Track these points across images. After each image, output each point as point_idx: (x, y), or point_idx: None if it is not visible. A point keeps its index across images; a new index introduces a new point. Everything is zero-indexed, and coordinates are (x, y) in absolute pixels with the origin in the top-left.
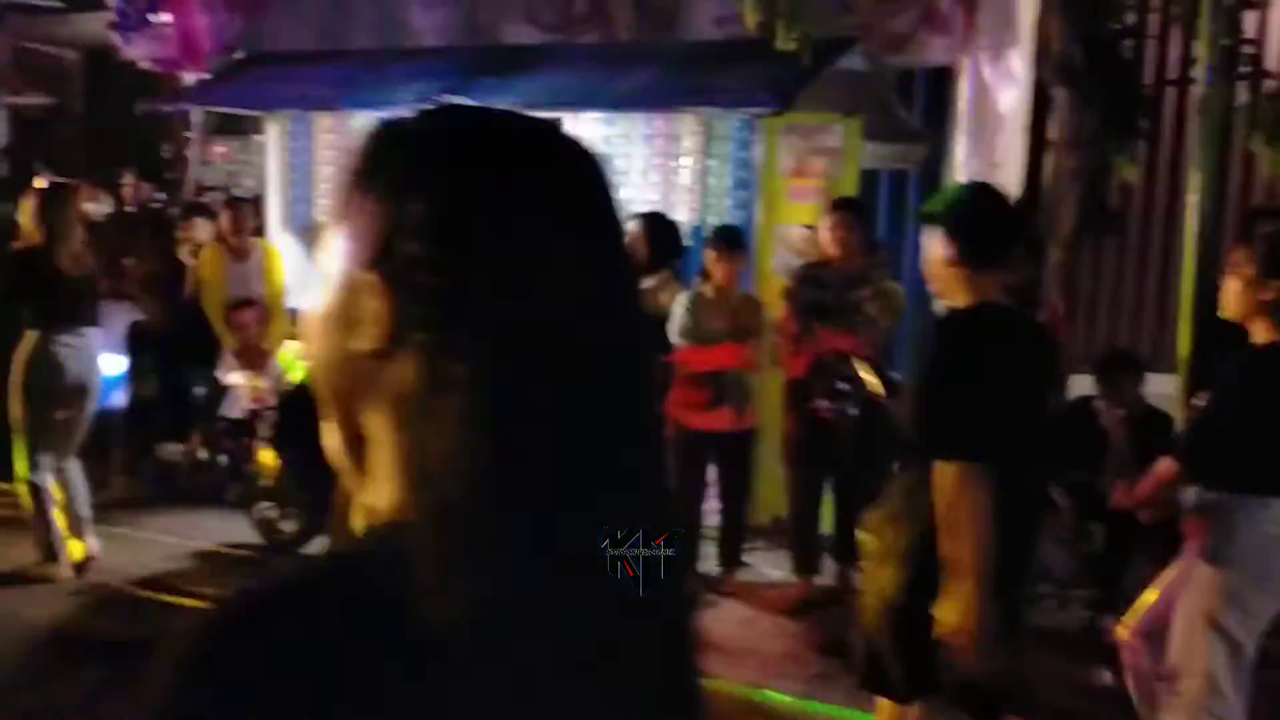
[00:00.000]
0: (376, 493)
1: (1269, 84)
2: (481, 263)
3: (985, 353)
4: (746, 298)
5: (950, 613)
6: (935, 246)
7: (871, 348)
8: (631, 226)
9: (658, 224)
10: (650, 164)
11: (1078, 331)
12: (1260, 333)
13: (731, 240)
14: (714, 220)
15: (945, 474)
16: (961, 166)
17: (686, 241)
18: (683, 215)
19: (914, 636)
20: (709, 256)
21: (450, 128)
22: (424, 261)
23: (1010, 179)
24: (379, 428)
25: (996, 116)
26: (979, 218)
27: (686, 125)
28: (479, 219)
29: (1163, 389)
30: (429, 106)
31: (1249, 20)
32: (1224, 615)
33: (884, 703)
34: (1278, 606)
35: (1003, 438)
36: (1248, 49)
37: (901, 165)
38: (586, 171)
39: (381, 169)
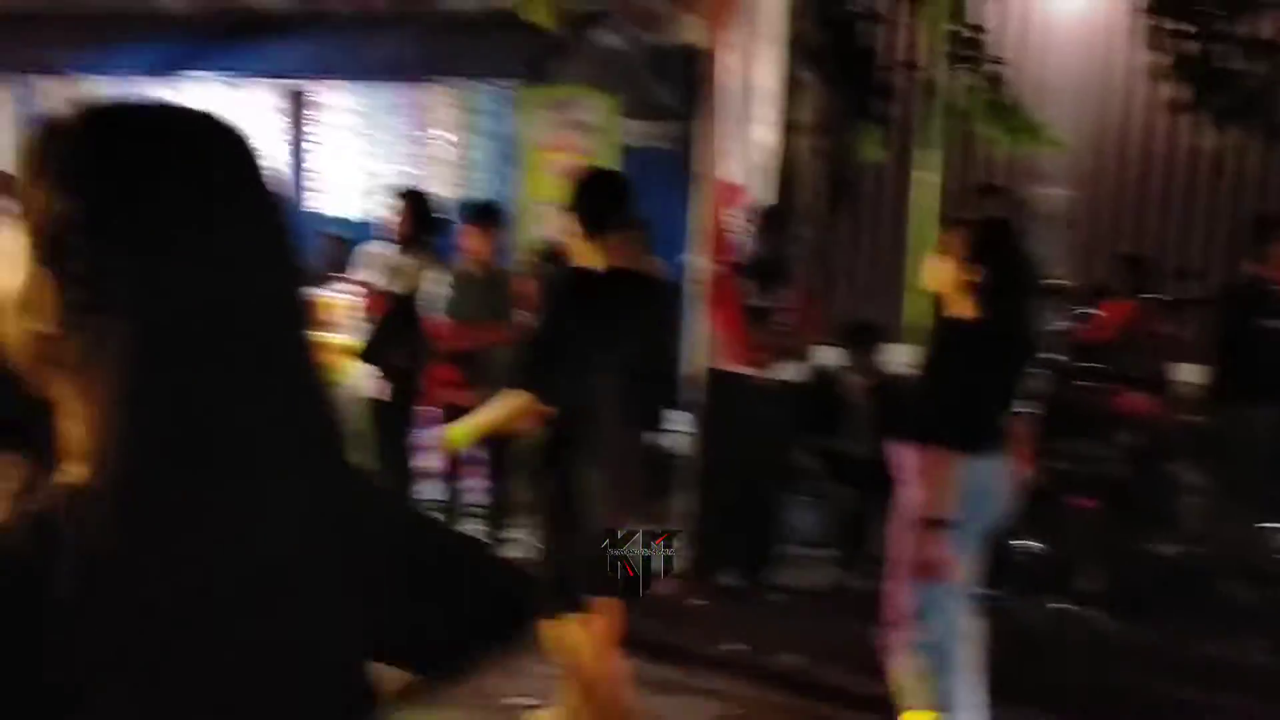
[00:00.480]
0: (69, 464)
1: (991, 69)
2: (128, 253)
3: (577, 305)
4: (505, 274)
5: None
6: (564, 223)
7: None
8: (391, 203)
9: (416, 200)
10: (405, 136)
11: (828, 305)
12: (962, 309)
13: (487, 215)
14: (473, 195)
15: (511, 397)
16: (717, 145)
17: (445, 217)
18: (441, 189)
19: (560, 551)
20: (465, 232)
21: (101, 125)
22: (78, 254)
23: (763, 159)
24: (69, 403)
25: (750, 96)
26: (589, 196)
27: (441, 97)
28: (124, 213)
29: (905, 358)
30: (88, 104)
31: (978, 8)
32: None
33: (563, 623)
34: (974, 544)
35: (584, 378)
36: (972, 35)
37: (659, 143)
38: (236, 159)
39: (44, 167)
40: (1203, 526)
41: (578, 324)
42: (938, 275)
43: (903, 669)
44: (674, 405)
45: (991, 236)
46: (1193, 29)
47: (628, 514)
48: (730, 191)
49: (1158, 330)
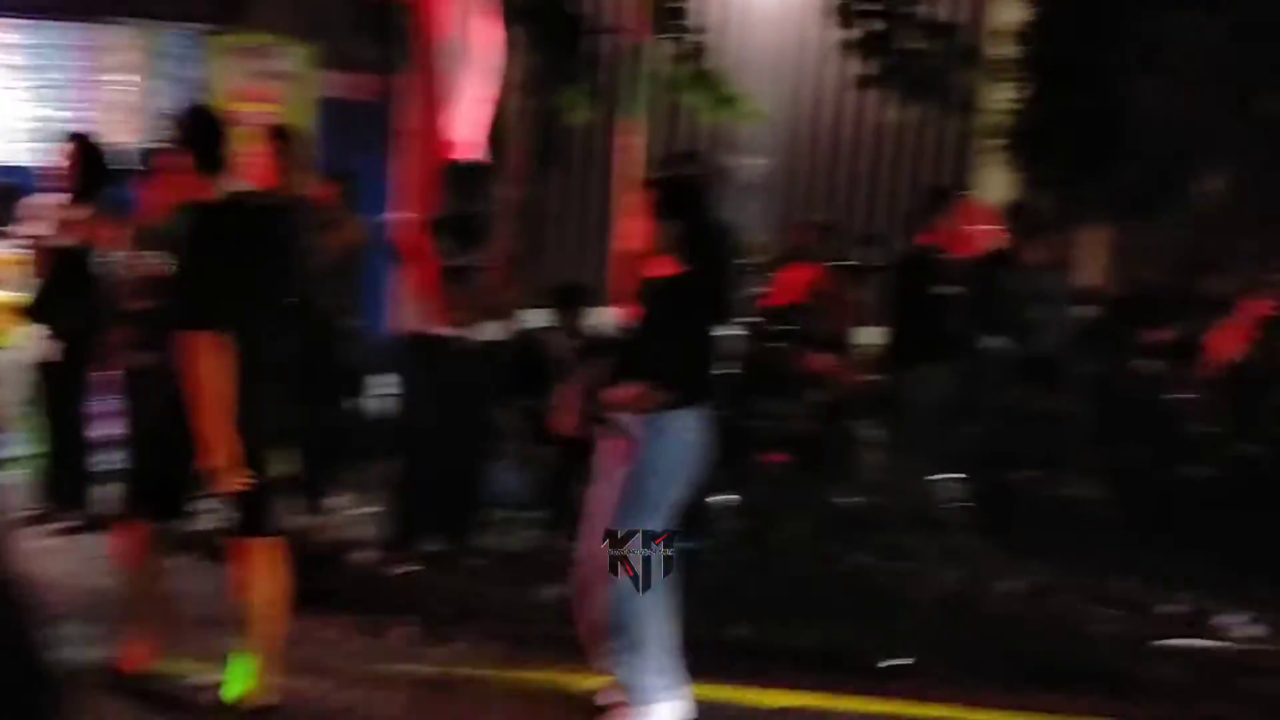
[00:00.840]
0: None
1: (695, 39)
2: None
3: (213, 239)
4: None
5: (207, 450)
6: (175, 163)
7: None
8: (60, 150)
9: (87, 148)
10: (79, 79)
11: (535, 265)
12: (662, 267)
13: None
14: (154, 144)
15: (186, 341)
16: (431, 100)
17: (123, 166)
18: (119, 137)
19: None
20: (141, 183)
21: None
22: None
23: (476, 117)
24: None
25: (462, 52)
26: (197, 132)
27: (120, 38)
28: None
29: (611, 319)
30: None
31: None
32: (643, 512)
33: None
34: (680, 495)
35: (235, 309)
36: (677, 4)
37: (362, 96)
38: None
39: None
40: (881, 479)
41: (204, 256)
42: (634, 235)
43: (598, 624)
44: (374, 365)
45: (680, 194)
46: (877, 9)
47: (270, 446)
48: (449, 148)
49: (843, 294)
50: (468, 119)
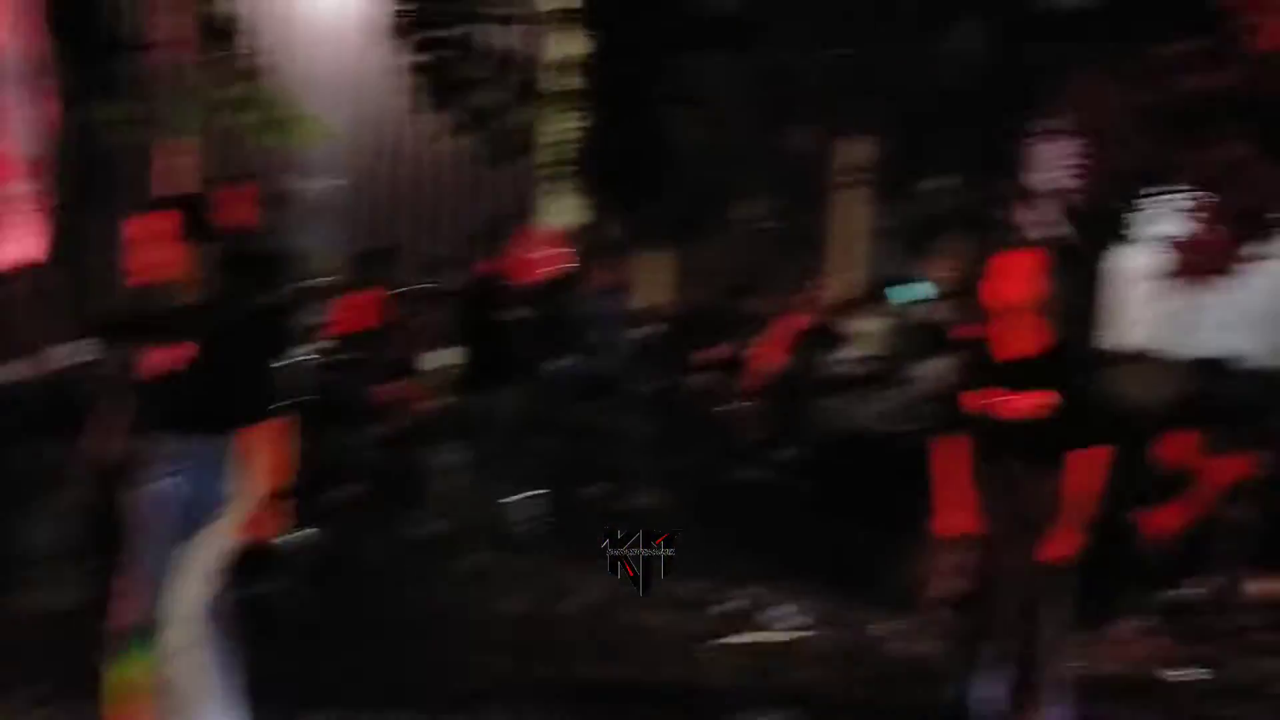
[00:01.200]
0: None
1: (248, 60)
2: None
3: None
4: None
5: None
6: None
7: None
8: None
9: None
10: None
11: (78, 296)
12: (201, 293)
13: None
14: None
15: None
16: None
17: None
18: None
19: None
20: None
21: None
22: None
23: (18, 135)
24: None
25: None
26: None
27: None
28: None
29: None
30: None
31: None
32: (197, 558)
33: None
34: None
35: None
36: (226, 25)
37: None
38: None
39: None
40: (457, 502)
41: None
42: (156, 260)
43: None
44: None
45: (204, 215)
46: (437, 36)
47: None
48: None
49: (411, 319)
50: (8, 136)
